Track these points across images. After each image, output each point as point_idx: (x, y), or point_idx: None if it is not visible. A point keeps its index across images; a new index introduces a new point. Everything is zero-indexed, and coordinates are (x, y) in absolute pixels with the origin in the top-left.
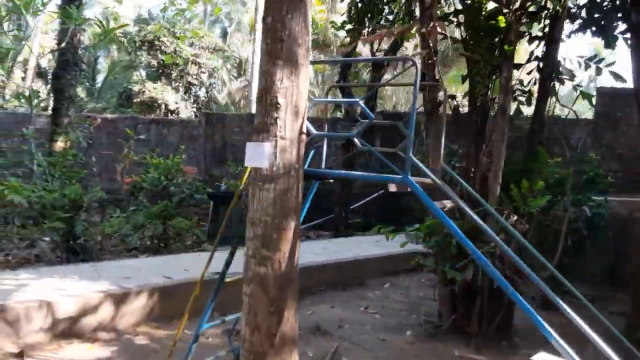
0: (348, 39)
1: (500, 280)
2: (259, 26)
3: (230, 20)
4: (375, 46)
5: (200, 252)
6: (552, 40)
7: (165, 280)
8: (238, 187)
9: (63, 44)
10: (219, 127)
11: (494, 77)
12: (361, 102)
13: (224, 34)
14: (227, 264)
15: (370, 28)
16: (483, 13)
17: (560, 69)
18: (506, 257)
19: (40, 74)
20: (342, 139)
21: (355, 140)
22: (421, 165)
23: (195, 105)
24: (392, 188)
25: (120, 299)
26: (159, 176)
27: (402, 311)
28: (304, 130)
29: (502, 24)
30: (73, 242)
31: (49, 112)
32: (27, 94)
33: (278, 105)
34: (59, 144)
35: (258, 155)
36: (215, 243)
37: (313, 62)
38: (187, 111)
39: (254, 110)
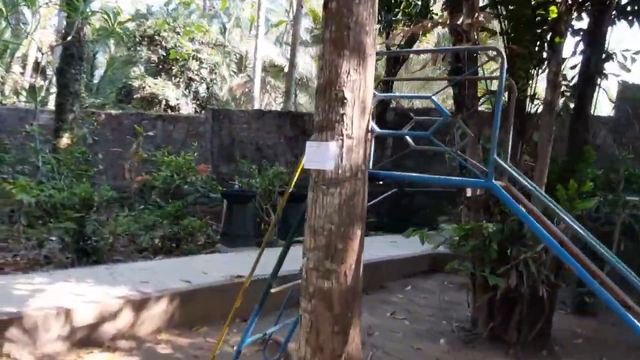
0: None
1: (610, 301)
2: (262, 21)
3: (229, 15)
4: (397, 40)
5: (215, 253)
6: (598, 32)
7: (184, 285)
8: (253, 186)
9: (69, 38)
10: (226, 123)
11: (538, 71)
12: (434, 98)
13: (223, 30)
14: (275, 273)
15: (385, 22)
16: (532, 3)
17: (613, 62)
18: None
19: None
20: (413, 137)
21: (408, 138)
22: (507, 166)
23: (195, 102)
24: (469, 193)
25: (139, 305)
26: (172, 174)
27: (430, 317)
28: (370, 128)
29: (554, 15)
30: (83, 242)
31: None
32: (29, 88)
33: (345, 101)
34: (64, 141)
35: (321, 156)
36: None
37: (380, 53)
38: (187, 107)
39: (256, 107)
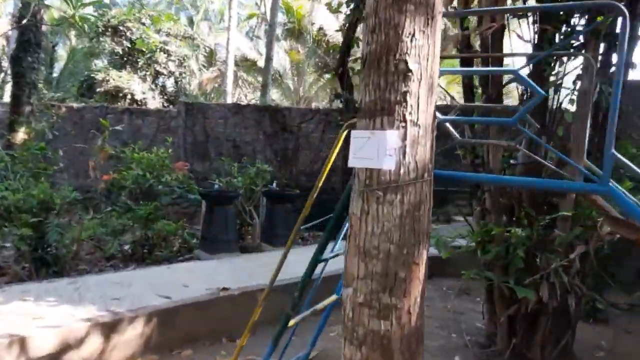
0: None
1: None
2: (234, 12)
3: (197, 8)
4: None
5: (194, 261)
6: (636, 14)
7: (163, 301)
8: (234, 185)
9: (24, 21)
10: (200, 118)
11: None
12: (521, 72)
13: (190, 22)
14: (295, 303)
15: None
16: None
17: None
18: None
19: None
20: (492, 124)
21: (452, 130)
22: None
23: (163, 97)
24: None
25: (111, 328)
26: (143, 173)
27: (438, 329)
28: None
29: None
30: (43, 250)
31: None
32: None
33: (408, 74)
34: (20, 136)
35: (374, 150)
36: (285, 250)
37: (451, 14)
38: (155, 102)
39: (229, 102)
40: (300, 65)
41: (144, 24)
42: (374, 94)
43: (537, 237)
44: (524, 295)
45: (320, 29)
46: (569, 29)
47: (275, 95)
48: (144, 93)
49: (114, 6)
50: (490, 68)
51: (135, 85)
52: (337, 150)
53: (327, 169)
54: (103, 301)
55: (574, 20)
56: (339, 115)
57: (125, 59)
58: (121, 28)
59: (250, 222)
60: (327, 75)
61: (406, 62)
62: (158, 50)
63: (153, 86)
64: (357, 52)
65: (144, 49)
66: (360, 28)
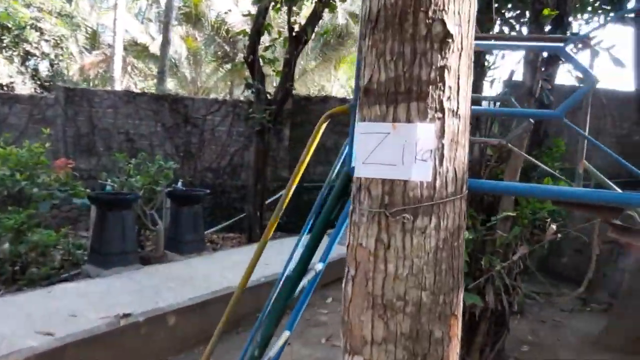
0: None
1: None
2: None
3: None
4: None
5: (83, 280)
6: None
7: (44, 340)
8: (132, 186)
9: None
10: (85, 107)
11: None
12: (568, 49)
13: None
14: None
15: None
16: None
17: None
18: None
19: None
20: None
21: None
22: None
23: (36, 82)
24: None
25: None
26: (12, 173)
27: None
28: None
29: None
30: None
31: None
32: None
33: (448, 40)
34: None
35: (395, 151)
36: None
37: None
38: (25, 87)
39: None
40: (198, 54)
41: None
42: (394, 69)
43: (480, 239)
44: (471, 301)
45: (219, 15)
46: None
47: (170, 85)
48: (10, 76)
49: None
50: (533, 44)
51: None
52: (314, 146)
53: (302, 168)
54: None
55: None
56: (248, 107)
57: None
58: None
59: (152, 228)
60: (228, 66)
61: (444, 23)
62: (28, 27)
63: (22, 69)
64: (267, 40)
65: (9, 25)
66: (271, 14)
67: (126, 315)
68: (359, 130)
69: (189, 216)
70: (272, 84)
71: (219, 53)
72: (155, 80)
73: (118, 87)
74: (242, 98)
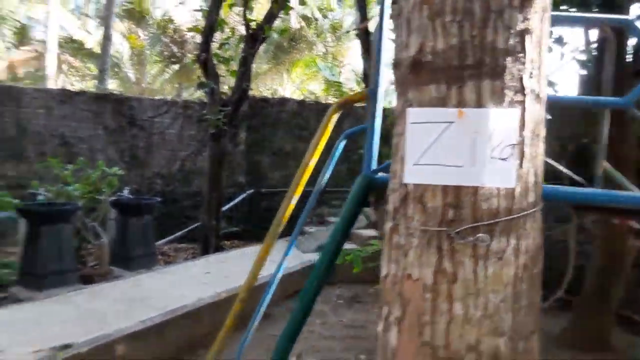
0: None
1: None
2: None
3: None
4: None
5: (13, 305)
6: None
7: None
8: (71, 195)
9: None
10: (11, 106)
11: None
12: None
13: None
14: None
15: None
16: None
17: None
18: None
19: None
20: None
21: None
22: None
23: None
24: None
25: None
26: None
27: (344, 352)
28: None
29: None
30: None
31: None
32: None
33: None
34: None
35: (461, 147)
36: None
37: None
38: None
39: (50, 87)
40: (142, 53)
41: None
42: (458, 33)
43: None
44: None
45: (166, 14)
46: None
47: (112, 86)
48: None
49: None
50: (601, 15)
51: None
52: (323, 142)
53: (308, 169)
54: None
55: None
56: (201, 108)
57: None
58: None
59: (95, 242)
60: (175, 67)
61: None
62: None
63: None
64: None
65: None
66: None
67: (65, 347)
68: (411, 119)
69: (138, 228)
70: (225, 85)
71: (166, 53)
72: (94, 81)
73: (52, 86)
74: (193, 99)
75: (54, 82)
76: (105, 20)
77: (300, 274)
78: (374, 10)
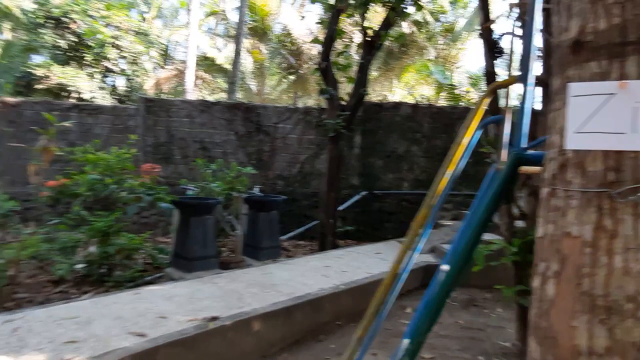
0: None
1: None
2: (194, 7)
3: (148, 5)
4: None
5: (167, 283)
6: None
7: (137, 341)
8: (212, 191)
9: None
10: (163, 116)
11: None
12: None
13: (142, 20)
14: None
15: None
16: None
17: None
18: None
19: None
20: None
21: None
22: None
23: (114, 96)
24: None
25: None
26: (102, 177)
27: (460, 351)
28: None
29: None
30: None
31: None
32: None
33: None
34: None
35: (622, 116)
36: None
37: None
38: (104, 102)
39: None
40: (263, 66)
41: (91, 16)
42: (620, 13)
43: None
44: None
45: (285, 28)
46: None
47: (237, 96)
48: (92, 92)
49: None
50: None
51: (82, 82)
52: (472, 131)
53: (461, 147)
54: (54, 347)
55: None
56: (319, 114)
57: (70, 54)
58: (65, 19)
59: (231, 233)
60: (292, 77)
61: None
62: (108, 45)
63: (103, 84)
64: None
65: (92, 44)
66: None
67: (214, 319)
68: (573, 92)
69: (266, 222)
70: (343, 91)
71: (284, 65)
72: (222, 93)
73: (189, 97)
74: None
75: (192, 96)
76: (236, 38)
77: (412, 272)
78: (496, 10)
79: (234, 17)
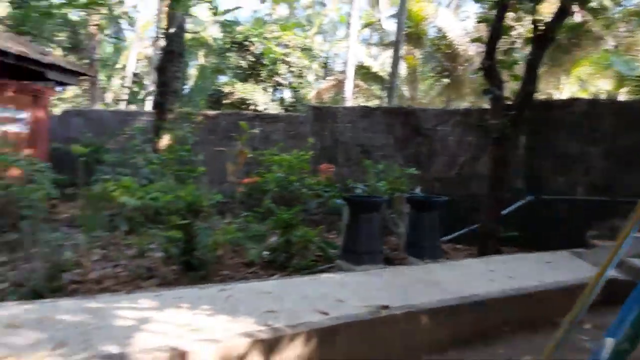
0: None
1: None
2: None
3: (310, 23)
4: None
5: (337, 273)
6: None
7: (321, 317)
8: (379, 190)
9: (172, 30)
10: (329, 123)
11: None
12: None
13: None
14: None
15: None
16: None
17: None
18: None
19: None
20: None
21: None
22: None
23: (282, 107)
24: None
25: (271, 346)
26: (286, 176)
27: None
28: None
29: None
30: (189, 254)
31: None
32: (131, 89)
33: None
34: (164, 141)
35: None
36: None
37: None
38: (276, 112)
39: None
40: (415, 71)
41: (266, 38)
42: None
43: None
44: None
45: (440, 31)
46: None
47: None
48: (265, 104)
49: (236, 25)
50: None
51: (258, 96)
52: None
53: None
54: (258, 314)
55: None
56: (479, 115)
57: (249, 72)
58: (246, 43)
59: (395, 231)
60: (445, 81)
61: None
62: (279, 62)
63: (273, 97)
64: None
65: (266, 62)
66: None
67: (385, 307)
68: None
69: (427, 222)
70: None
71: (438, 68)
72: (376, 100)
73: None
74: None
75: (350, 103)
76: (395, 45)
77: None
78: None
79: (388, 25)
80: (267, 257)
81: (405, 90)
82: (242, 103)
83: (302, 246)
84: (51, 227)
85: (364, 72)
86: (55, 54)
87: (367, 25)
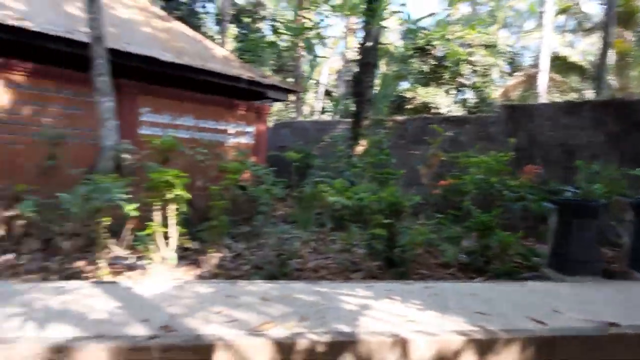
0: None
1: None
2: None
3: (493, 17)
4: None
5: (549, 282)
6: None
7: (538, 327)
8: (595, 193)
9: (369, 43)
10: (524, 122)
11: None
12: None
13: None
14: None
15: None
16: None
17: None
18: None
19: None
20: None
21: None
22: None
23: (465, 109)
24: None
25: (485, 348)
26: (486, 177)
27: None
28: None
29: None
30: (391, 251)
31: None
32: (332, 99)
33: None
34: (361, 147)
35: None
36: None
37: None
38: (458, 114)
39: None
40: (626, 57)
41: (448, 39)
42: None
43: None
44: None
45: None
46: None
47: (590, 95)
48: (448, 106)
49: (417, 31)
50: None
51: (440, 99)
52: None
53: None
54: (467, 314)
55: None
56: None
57: (430, 76)
58: (427, 47)
59: (615, 240)
60: None
61: None
62: (462, 62)
63: (456, 99)
64: None
65: (448, 64)
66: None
67: (613, 324)
68: None
69: None
70: None
71: None
72: (572, 93)
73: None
74: None
75: (543, 99)
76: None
77: None
78: None
79: (588, 8)
80: (463, 260)
81: (612, 80)
82: (425, 107)
83: (501, 251)
84: (273, 223)
85: (558, 64)
86: (270, 75)
87: (562, 10)
